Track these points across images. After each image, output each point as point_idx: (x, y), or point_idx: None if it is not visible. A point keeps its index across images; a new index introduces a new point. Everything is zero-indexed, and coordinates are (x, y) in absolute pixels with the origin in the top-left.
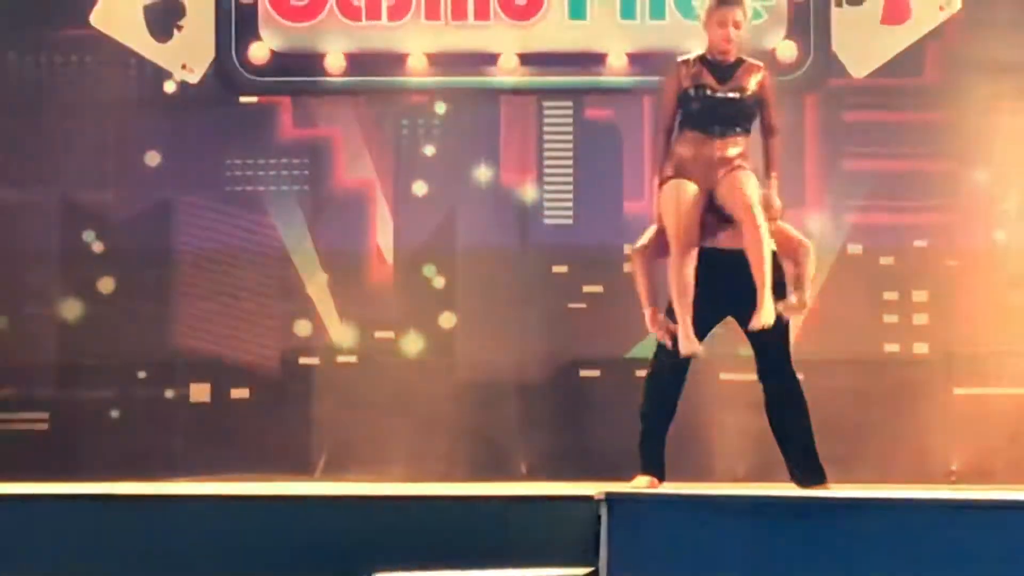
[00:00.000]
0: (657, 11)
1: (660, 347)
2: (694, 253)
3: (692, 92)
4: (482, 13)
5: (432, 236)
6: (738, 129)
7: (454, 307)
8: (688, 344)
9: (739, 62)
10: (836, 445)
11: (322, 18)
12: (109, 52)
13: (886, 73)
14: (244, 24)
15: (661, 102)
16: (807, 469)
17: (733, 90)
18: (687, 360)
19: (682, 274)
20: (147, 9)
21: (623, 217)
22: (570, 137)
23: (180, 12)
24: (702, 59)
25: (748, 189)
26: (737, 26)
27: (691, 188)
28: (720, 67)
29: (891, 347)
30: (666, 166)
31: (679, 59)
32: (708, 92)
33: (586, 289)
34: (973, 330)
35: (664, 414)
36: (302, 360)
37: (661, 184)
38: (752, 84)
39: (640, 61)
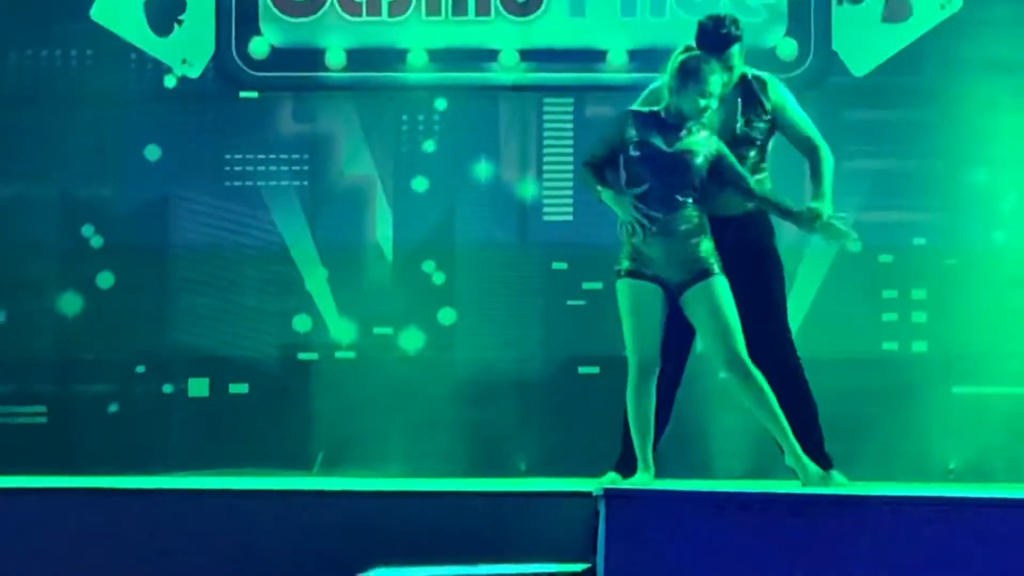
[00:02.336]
0: (658, 8)
1: None
2: (655, 375)
3: (635, 152)
4: (483, 9)
5: (432, 232)
6: (691, 200)
7: (453, 303)
8: (647, 473)
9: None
10: (834, 443)
11: (323, 13)
12: (109, 46)
13: (886, 72)
14: (244, 19)
15: (602, 136)
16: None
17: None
18: None
19: (642, 401)
20: (147, 4)
21: None
22: (570, 134)
23: (180, 7)
24: (657, 116)
25: (725, 311)
26: (709, 94)
27: (651, 293)
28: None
29: (890, 345)
30: (622, 253)
31: (630, 108)
32: (654, 150)
33: (586, 286)
34: (972, 329)
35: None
36: (301, 356)
37: (616, 276)
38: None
39: (641, 58)
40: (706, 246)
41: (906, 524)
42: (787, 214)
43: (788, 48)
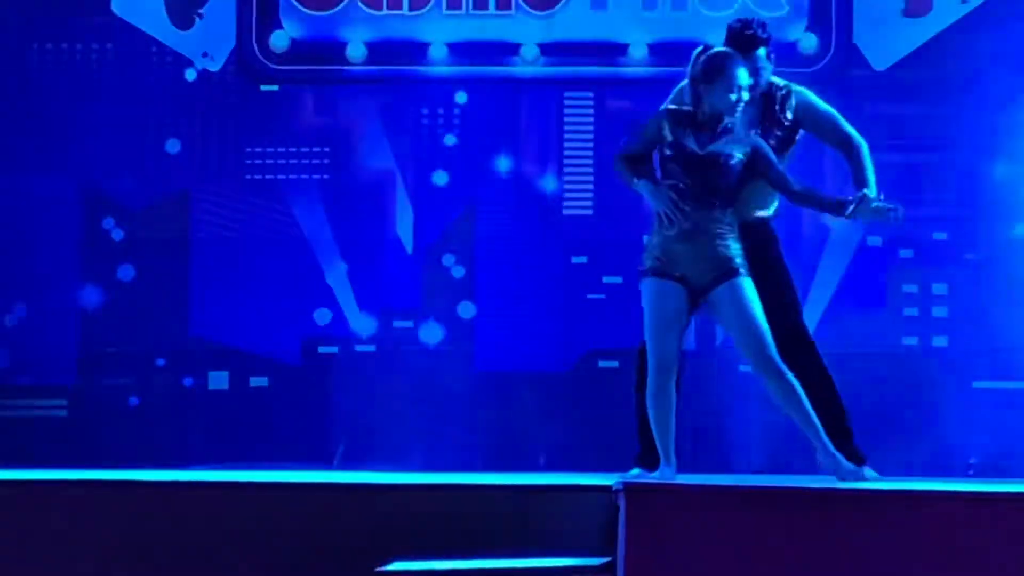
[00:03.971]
0: (679, 2)
1: None
2: (674, 373)
3: (669, 151)
4: (504, 3)
5: (452, 226)
6: (721, 201)
7: (473, 297)
8: (669, 468)
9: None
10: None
11: (343, 7)
12: (130, 40)
13: (908, 65)
14: (265, 12)
15: (639, 131)
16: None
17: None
18: None
19: (663, 399)
20: None
21: (643, 208)
22: (590, 128)
23: (201, 0)
24: (692, 116)
25: (752, 311)
26: (738, 88)
27: (675, 293)
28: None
29: (910, 340)
30: (648, 252)
31: (667, 107)
32: (688, 151)
33: (605, 280)
34: (992, 324)
35: None
36: (321, 349)
37: (640, 274)
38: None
39: (661, 52)
40: (735, 247)
41: (926, 519)
42: (833, 206)
43: (809, 42)
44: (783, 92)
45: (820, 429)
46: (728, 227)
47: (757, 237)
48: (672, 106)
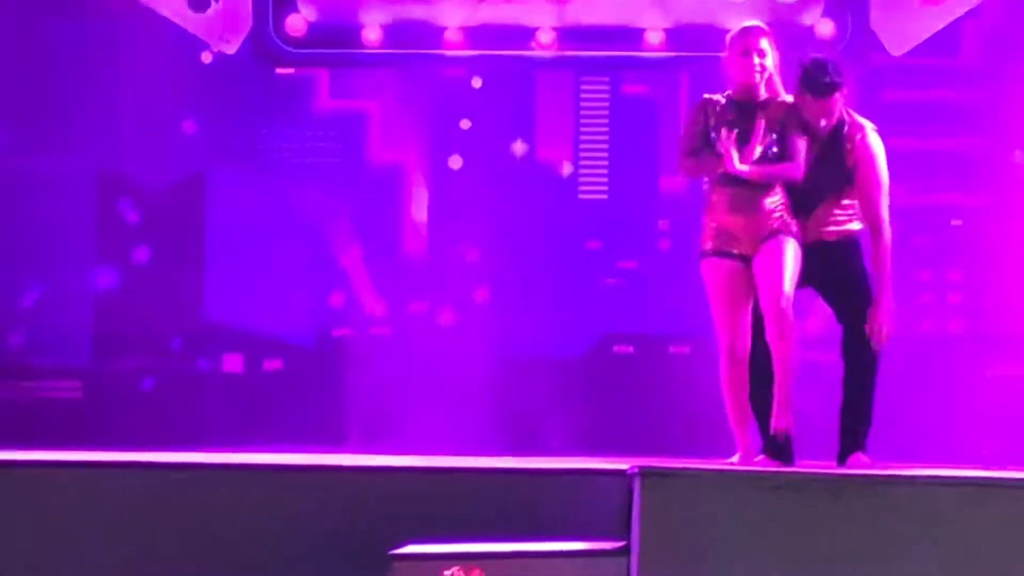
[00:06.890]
0: None
1: None
2: (746, 359)
3: (712, 135)
4: None
5: (467, 209)
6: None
7: (487, 281)
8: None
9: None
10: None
11: None
12: (146, 22)
13: (924, 52)
14: None
15: (685, 130)
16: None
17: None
18: None
19: (735, 387)
20: None
21: (658, 193)
22: (606, 112)
23: None
24: (729, 100)
25: (785, 270)
26: (762, 55)
27: (736, 272)
28: (748, 107)
29: (925, 327)
30: (705, 234)
31: (704, 96)
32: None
33: (620, 265)
34: (1007, 311)
35: None
36: (335, 332)
37: (701, 257)
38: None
39: (677, 37)
40: (783, 216)
41: (939, 506)
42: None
43: (826, 27)
44: (858, 136)
45: (788, 406)
46: (778, 201)
47: (841, 254)
48: (707, 95)
